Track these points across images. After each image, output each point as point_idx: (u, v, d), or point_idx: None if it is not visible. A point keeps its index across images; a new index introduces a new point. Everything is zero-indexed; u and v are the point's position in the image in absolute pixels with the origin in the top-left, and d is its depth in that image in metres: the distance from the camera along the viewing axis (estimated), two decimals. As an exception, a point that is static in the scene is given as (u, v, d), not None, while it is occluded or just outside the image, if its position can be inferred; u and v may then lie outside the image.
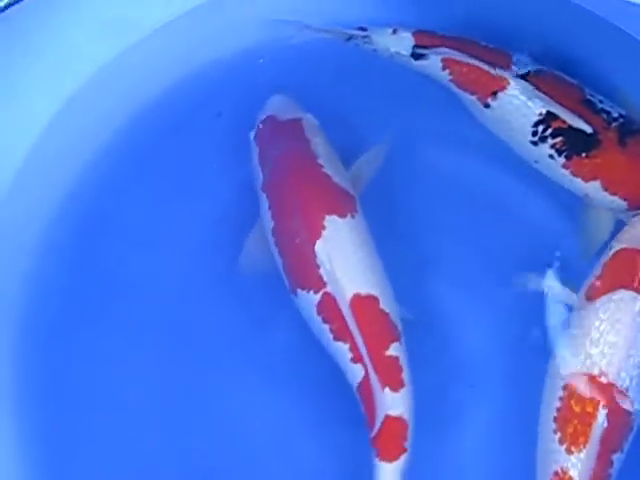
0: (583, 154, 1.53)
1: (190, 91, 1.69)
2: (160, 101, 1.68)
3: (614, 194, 1.54)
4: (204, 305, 1.60)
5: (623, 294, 1.45)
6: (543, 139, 1.54)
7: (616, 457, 1.40)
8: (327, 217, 1.48)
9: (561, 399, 1.43)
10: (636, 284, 1.45)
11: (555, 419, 1.42)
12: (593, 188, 1.54)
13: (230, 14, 1.69)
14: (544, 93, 1.55)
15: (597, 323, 1.44)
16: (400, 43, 1.61)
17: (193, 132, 1.69)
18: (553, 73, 1.58)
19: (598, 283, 1.47)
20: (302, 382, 1.55)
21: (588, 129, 1.53)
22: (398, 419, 1.41)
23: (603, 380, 1.41)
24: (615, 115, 1.55)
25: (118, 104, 1.67)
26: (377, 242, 1.50)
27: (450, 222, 1.62)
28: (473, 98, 1.59)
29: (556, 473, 1.40)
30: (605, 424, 1.40)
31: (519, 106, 1.55)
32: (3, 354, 1.57)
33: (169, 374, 1.57)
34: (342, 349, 1.44)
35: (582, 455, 1.39)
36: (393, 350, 1.43)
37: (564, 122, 1.53)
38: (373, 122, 1.66)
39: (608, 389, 1.41)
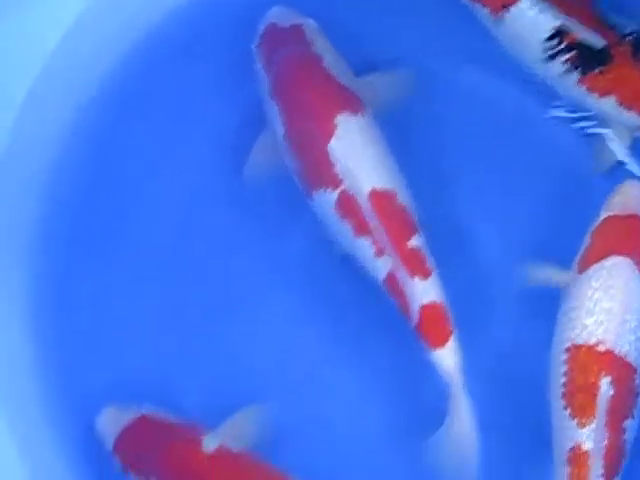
0: (597, 69, 1.52)
1: (192, 15, 1.70)
2: (162, 26, 1.69)
3: (629, 109, 1.53)
4: (216, 220, 1.62)
5: (615, 260, 1.43)
6: (557, 54, 1.53)
7: (628, 424, 1.39)
8: (338, 116, 1.47)
9: (565, 374, 1.41)
10: (627, 249, 1.44)
11: (563, 395, 1.40)
12: (608, 104, 1.54)
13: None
14: (557, 7, 1.53)
15: (590, 292, 1.42)
16: None
17: (196, 56, 1.69)
18: None
19: (588, 253, 1.46)
20: (317, 289, 1.57)
21: (600, 43, 1.52)
22: (434, 305, 1.42)
23: (601, 348, 1.39)
24: (628, 31, 1.53)
25: (121, 30, 1.67)
26: (397, 158, 1.50)
27: (470, 137, 1.62)
28: (485, 11, 1.57)
29: (572, 449, 1.38)
30: (610, 392, 1.38)
31: (531, 20, 1.53)
32: (20, 269, 1.60)
33: (183, 288, 1.59)
34: (364, 245, 1.45)
35: (593, 426, 1.37)
36: (415, 241, 1.44)
37: (576, 36, 1.52)
38: (383, 38, 1.66)
39: (608, 356, 1.39)
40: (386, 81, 1.60)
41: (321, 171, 1.47)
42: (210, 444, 1.44)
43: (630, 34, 1.53)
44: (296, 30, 1.58)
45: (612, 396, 1.38)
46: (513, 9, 1.55)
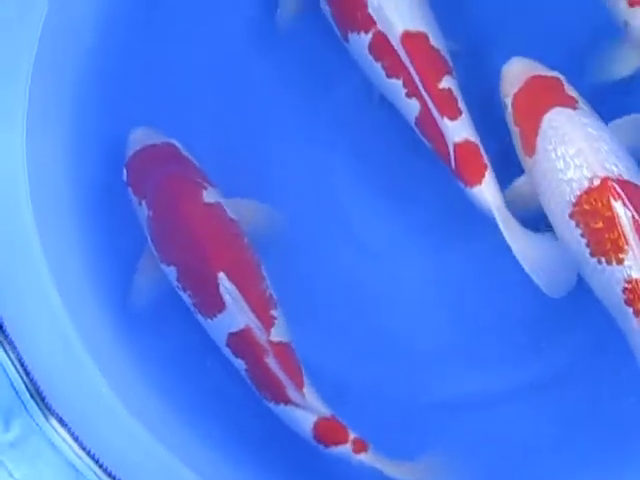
0: None
1: None
2: None
3: None
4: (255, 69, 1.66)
5: (548, 116, 1.47)
6: None
7: None
8: None
9: (582, 235, 1.42)
10: (548, 103, 1.48)
11: (592, 253, 1.41)
12: (635, 15, 1.51)
13: None
14: None
15: (553, 155, 1.44)
16: None
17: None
18: None
19: (524, 133, 1.49)
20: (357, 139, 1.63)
21: None
22: (465, 143, 1.47)
23: (596, 183, 1.42)
24: None
25: None
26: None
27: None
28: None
29: (625, 290, 1.39)
30: (628, 213, 1.39)
31: None
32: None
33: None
34: (396, 85, 1.50)
35: (632, 253, 1.38)
36: (446, 82, 1.49)
37: None
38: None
39: (605, 184, 1.41)
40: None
41: (355, 14, 1.51)
42: (211, 197, 1.50)
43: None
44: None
45: (633, 216, 1.39)
46: None
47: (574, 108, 1.49)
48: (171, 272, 1.48)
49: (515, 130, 1.52)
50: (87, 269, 1.56)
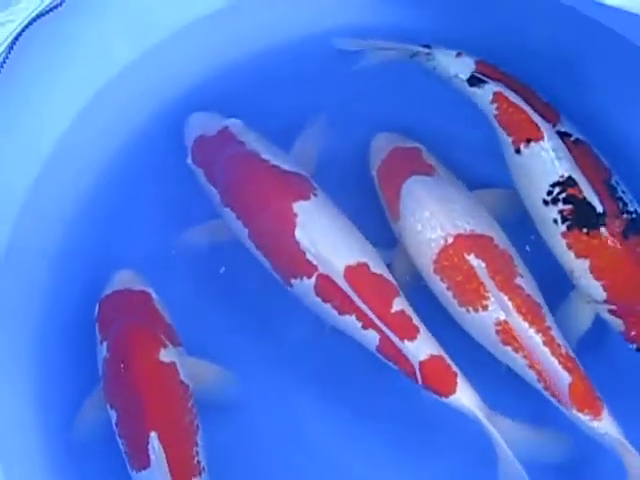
0: (584, 230, 1.52)
1: (209, 93, 1.71)
2: (180, 101, 1.71)
3: (598, 279, 1.52)
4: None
5: (406, 184, 1.55)
6: (555, 201, 1.53)
7: (521, 281, 1.49)
8: (294, 204, 1.51)
9: (448, 289, 1.51)
10: (404, 173, 1.56)
11: (459, 304, 1.50)
12: (581, 266, 1.53)
13: (248, 18, 1.71)
14: (575, 162, 1.53)
15: (412, 219, 1.53)
16: (461, 66, 1.62)
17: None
18: (591, 148, 1.57)
19: (390, 202, 1.57)
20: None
21: (599, 208, 1.51)
22: (430, 359, 1.47)
23: (450, 241, 1.50)
24: (631, 209, 1.53)
25: (140, 102, 1.70)
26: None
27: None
28: (509, 140, 1.58)
29: (498, 332, 1.48)
30: (481, 262, 1.48)
31: (546, 161, 1.54)
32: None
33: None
34: (350, 321, 1.49)
35: (494, 299, 1.47)
36: (396, 305, 1.49)
37: (580, 192, 1.52)
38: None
39: (458, 241, 1.50)
40: (310, 136, 1.66)
41: (294, 261, 1.51)
42: (167, 356, 1.50)
43: (630, 212, 1.53)
44: (224, 134, 1.61)
45: (486, 264, 1.48)
46: (534, 145, 1.56)
47: (430, 175, 1.58)
48: (113, 416, 1.50)
49: (382, 200, 1.61)
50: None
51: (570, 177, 1.52)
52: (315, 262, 1.49)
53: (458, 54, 1.62)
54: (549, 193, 1.54)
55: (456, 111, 1.66)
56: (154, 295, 1.59)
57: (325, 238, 1.50)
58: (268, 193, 1.53)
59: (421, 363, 1.46)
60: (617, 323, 1.54)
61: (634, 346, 1.55)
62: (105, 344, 1.54)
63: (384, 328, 1.47)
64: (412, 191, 1.55)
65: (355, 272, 1.48)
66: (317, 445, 1.59)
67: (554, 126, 1.57)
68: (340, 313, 1.49)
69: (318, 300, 1.50)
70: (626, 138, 1.66)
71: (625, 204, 1.53)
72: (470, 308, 1.49)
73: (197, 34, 1.69)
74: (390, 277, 1.51)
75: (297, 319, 1.60)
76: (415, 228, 1.53)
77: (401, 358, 1.47)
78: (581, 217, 1.52)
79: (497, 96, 1.59)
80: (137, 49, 1.66)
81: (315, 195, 1.54)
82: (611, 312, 1.54)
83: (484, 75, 1.60)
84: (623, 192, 1.54)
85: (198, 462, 1.47)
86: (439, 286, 1.52)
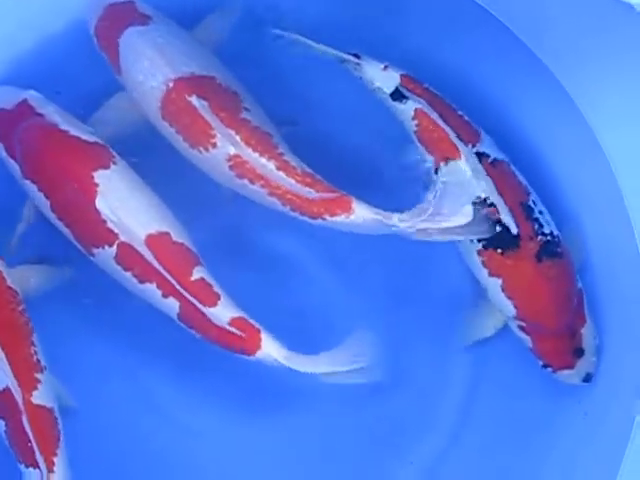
0: (499, 250, 1.56)
1: (28, 68, 1.70)
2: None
3: (509, 298, 1.58)
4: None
5: (128, 31, 1.57)
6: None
7: (248, 115, 1.54)
8: (94, 174, 1.54)
9: (178, 132, 1.54)
10: (134, 20, 1.59)
11: (191, 146, 1.53)
12: (493, 284, 1.58)
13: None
14: (493, 182, 1.57)
15: (133, 70, 1.56)
16: (386, 80, 1.63)
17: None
18: (509, 167, 1.61)
19: (109, 53, 1.60)
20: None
21: (514, 230, 1.55)
22: (233, 321, 1.51)
23: (171, 85, 1.53)
24: (546, 231, 1.57)
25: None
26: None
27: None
28: (428, 157, 1.61)
29: (231, 167, 1.51)
30: (203, 102, 1.51)
31: (462, 182, 1.56)
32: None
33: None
34: (151, 289, 1.53)
35: (220, 135, 1.51)
36: (197, 273, 1.53)
37: (499, 215, 1.55)
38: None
39: (178, 85, 1.52)
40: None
41: (95, 230, 1.54)
42: None
43: (545, 235, 1.57)
44: (23, 107, 1.62)
45: (209, 105, 1.52)
46: (452, 163, 1.58)
47: (145, 25, 1.59)
48: None
49: (106, 58, 1.61)
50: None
51: (487, 198, 1.55)
52: (116, 230, 1.52)
53: (385, 67, 1.63)
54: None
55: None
56: None
57: (126, 206, 1.54)
58: (68, 163, 1.55)
59: (224, 327, 1.51)
60: (526, 339, 1.60)
61: (541, 362, 1.61)
62: None
63: (186, 294, 1.51)
64: (129, 43, 1.58)
65: (156, 240, 1.53)
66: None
67: (474, 146, 1.59)
68: (140, 281, 1.53)
69: (119, 268, 1.53)
70: (542, 153, 1.69)
71: (541, 225, 1.57)
72: (201, 148, 1.53)
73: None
74: (191, 246, 1.55)
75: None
76: (137, 79, 1.56)
77: (203, 324, 1.52)
78: (496, 238, 1.55)
79: (418, 113, 1.61)
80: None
81: (115, 164, 1.56)
82: (520, 328, 1.60)
83: (408, 90, 1.62)
84: (540, 213, 1.58)
85: (38, 360, 1.53)
86: (170, 131, 1.55)
